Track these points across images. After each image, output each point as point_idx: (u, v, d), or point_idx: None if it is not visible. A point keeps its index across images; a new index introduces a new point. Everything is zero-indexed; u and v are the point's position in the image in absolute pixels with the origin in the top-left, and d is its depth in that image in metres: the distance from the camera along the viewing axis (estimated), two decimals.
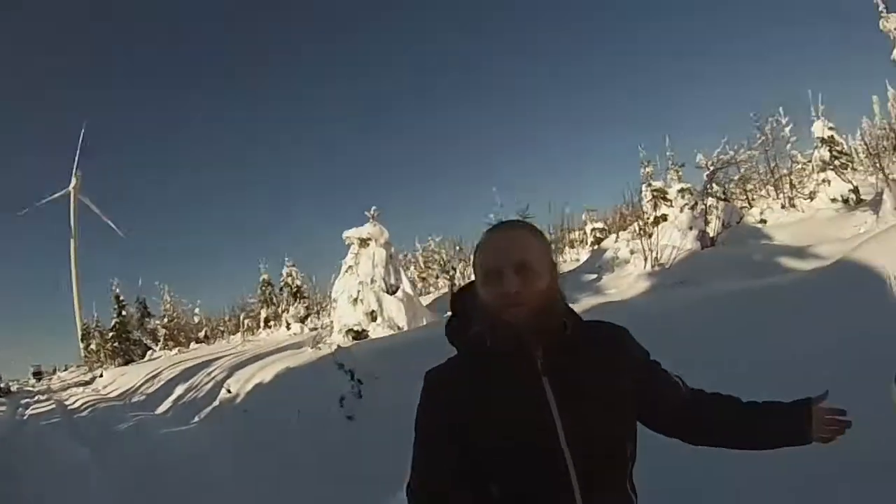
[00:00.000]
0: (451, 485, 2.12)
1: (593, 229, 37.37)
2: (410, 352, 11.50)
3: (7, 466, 14.11)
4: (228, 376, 17.25)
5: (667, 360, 2.46)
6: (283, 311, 39.90)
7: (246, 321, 44.07)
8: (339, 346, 11.82)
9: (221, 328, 53.86)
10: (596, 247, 32.26)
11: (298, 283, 40.95)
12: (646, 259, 18.65)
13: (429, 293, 33.19)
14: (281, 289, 41.86)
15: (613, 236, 28.43)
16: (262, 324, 43.00)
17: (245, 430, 12.23)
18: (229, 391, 15.53)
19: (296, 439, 10.07)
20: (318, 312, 38.31)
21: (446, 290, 31.73)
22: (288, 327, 36.71)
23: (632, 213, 44.38)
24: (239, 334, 43.24)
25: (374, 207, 20.53)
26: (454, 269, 34.10)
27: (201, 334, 54.13)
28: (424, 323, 18.77)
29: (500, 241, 2.17)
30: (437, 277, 43.65)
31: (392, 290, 19.88)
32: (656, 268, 17.79)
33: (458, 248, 41.27)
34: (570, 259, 34.90)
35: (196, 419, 15.60)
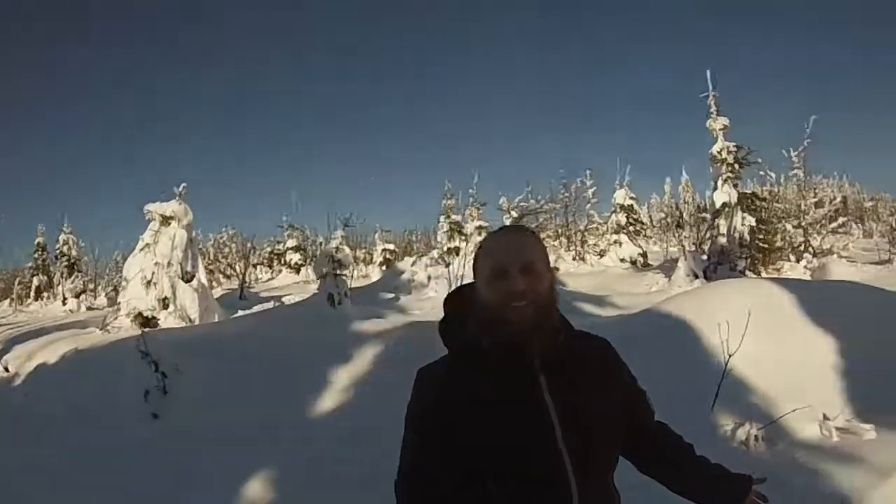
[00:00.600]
0: (442, 483, 2.06)
1: (384, 250, 37.67)
2: (216, 347, 11.20)
3: None
4: (5, 350, 15.13)
5: None
6: (58, 283, 36.73)
7: (17, 289, 41.37)
8: (143, 332, 11.07)
9: None
10: (385, 267, 32.73)
11: (75, 253, 38.15)
12: (450, 286, 18.72)
13: (213, 287, 32.39)
14: (56, 257, 38.50)
15: (409, 259, 28.78)
16: (33, 293, 39.08)
17: (32, 419, 10.62)
18: (6, 369, 13.99)
19: (94, 436, 8.75)
20: (94, 290, 36.51)
21: (236, 285, 31.26)
22: (64, 302, 34.02)
23: (421, 241, 45.03)
24: (8, 302, 39.54)
25: (182, 184, 18.79)
26: (245, 265, 33.73)
27: None
28: (217, 318, 18.18)
29: (507, 243, 2.15)
30: (224, 272, 43.14)
31: (188, 278, 18.56)
32: None
33: (250, 245, 41.06)
34: (358, 276, 35.14)
35: None
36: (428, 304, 17.68)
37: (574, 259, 30.77)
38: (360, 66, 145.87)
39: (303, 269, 38.88)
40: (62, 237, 38.74)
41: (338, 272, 14.55)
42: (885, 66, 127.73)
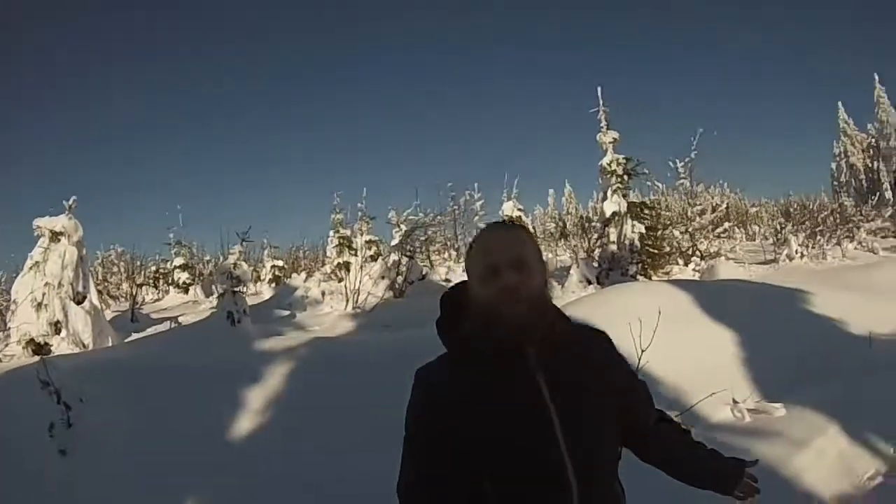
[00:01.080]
0: (443, 484, 2.09)
1: (273, 266, 37.01)
2: (119, 374, 10.44)
3: None
4: None
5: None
6: None
7: None
8: (42, 360, 10.30)
9: None
10: (275, 284, 32.46)
11: None
12: (347, 301, 19.51)
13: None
14: None
15: (301, 275, 28.70)
16: None
17: None
18: None
19: None
20: None
21: (123, 307, 30.53)
22: None
23: (308, 257, 44.60)
24: None
25: (73, 198, 17.34)
26: (133, 285, 33.01)
27: None
28: (111, 343, 17.13)
29: (498, 240, 2.21)
30: (112, 293, 42.13)
31: (79, 299, 17.28)
32: (357, 310, 18.74)
33: (139, 263, 40.15)
34: (248, 293, 34.73)
35: None
36: (327, 320, 17.64)
37: (464, 271, 30.98)
38: (240, 72, 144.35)
39: (191, 288, 38.20)
40: None
41: (236, 289, 14.24)
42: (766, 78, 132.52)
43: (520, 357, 2.11)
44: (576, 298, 13.76)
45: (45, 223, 17.39)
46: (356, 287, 19.71)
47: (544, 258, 2.30)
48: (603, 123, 23.75)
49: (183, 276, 39.78)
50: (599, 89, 24.03)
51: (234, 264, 15.05)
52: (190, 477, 7.32)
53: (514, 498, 2.05)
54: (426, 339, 8.69)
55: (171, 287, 40.69)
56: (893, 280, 18.72)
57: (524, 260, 2.12)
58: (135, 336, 18.74)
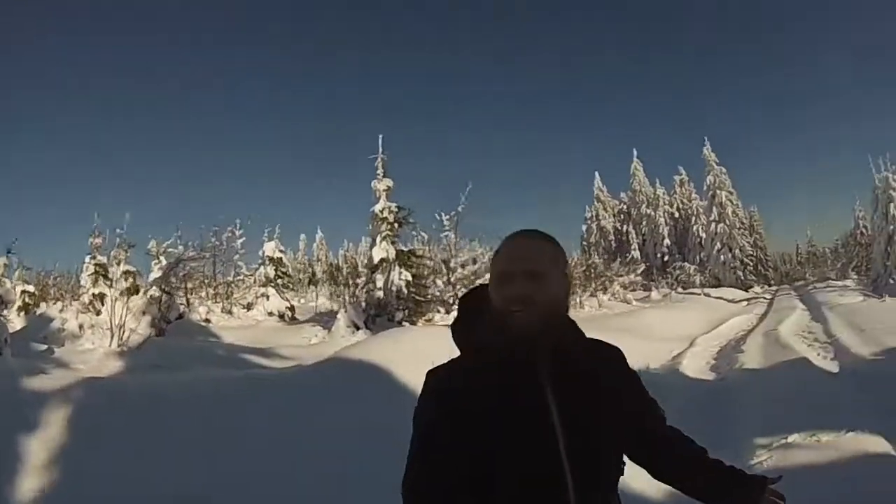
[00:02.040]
0: (446, 486, 2.08)
1: (24, 292, 34.44)
2: None
3: None
4: None
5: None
6: None
7: None
8: None
9: None
10: (25, 312, 30.82)
11: None
12: (112, 337, 18.58)
13: None
14: None
15: (55, 304, 27.40)
16: None
17: None
18: None
19: None
20: None
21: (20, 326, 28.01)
22: None
23: (58, 284, 42.44)
24: None
25: None
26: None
27: None
28: None
29: (516, 248, 2.21)
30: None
31: None
32: (122, 348, 17.76)
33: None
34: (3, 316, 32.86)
35: None
36: (91, 358, 16.16)
37: (222, 311, 30.42)
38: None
39: None
40: None
41: None
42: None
43: (530, 367, 2.12)
44: (352, 343, 13.85)
45: None
46: (121, 322, 18.76)
47: (568, 270, 2.30)
48: (380, 171, 24.53)
49: None
50: (381, 137, 24.88)
51: None
52: None
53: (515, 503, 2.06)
54: (213, 381, 8.61)
55: None
56: (651, 323, 21.06)
57: (538, 270, 2.12)
58: None
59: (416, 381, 7.28)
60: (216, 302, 32.49)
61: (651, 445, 2.48)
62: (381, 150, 24.64)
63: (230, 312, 30.91)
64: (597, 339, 2.41)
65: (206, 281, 34.14)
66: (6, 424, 7.78)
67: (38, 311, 26.01)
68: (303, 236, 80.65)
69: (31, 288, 33.99)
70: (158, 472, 7.17)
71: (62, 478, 7.20)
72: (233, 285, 34.64)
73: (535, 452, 2.05)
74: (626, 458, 2.35)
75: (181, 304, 27.61)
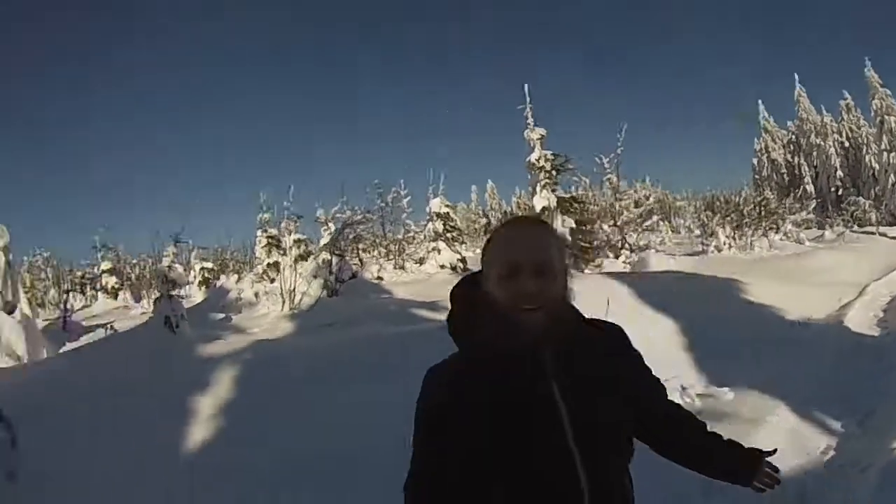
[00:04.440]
0: (450, 483, 2.08)
1: (202, 268, 36.64)
2: (62, 388, 10.02)
3: None
4: None
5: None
6: None
7: None
8: None
9: None
10: (205, 286, 32.04)
11: None
12: (283, 302, 18.97)
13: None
14: None
15: (232, 277, 28.40)
16: None
17: None
18: None
19: None
20: None
21: (56, 315, 29.89)
22: None
23: (236, 258, 44.10)
24: None
25: None
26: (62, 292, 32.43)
27: None
28: (45, 354, 16.28)
29: (521, 238, 2.11)
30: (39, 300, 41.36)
31: (9, 309, 16.47)
32: (294, 311, 18.21)
33: (69, 269, 39.41)
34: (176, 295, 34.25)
35: None
36: (265, 322, 17.05)
37: (395, 268, 30.84)
38: (161, 69, 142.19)
39: (120, 293, 37.61)
40: None
41: (172, 293, 13.87)
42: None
43: (535, 362, 2.06)
44: None
45: None
46: (292, 287, 19.31)
47: (567, 260, 2.22)
48: (530, 120, 23.99)
49: (111, 281, 39.06)
50: (526, 87, 24.26)
51: (169, 266, 14.75)
52: (143, 494, 6.98)
53: (525, 499, 2.03)
54: (372, 338, 8.70)
55: (98, 293, 39.84)
56: (822, 267, 19.59)
57: (547, 264, 2.04)
58: (69, 346, 17.53)
59: None
60: (388, 259, 32.94)
61: (655, 423, 2.43)
62: (528, 99, 24.14)
63: (403, 268, 31.17)
64: (597, 320, 2.36)
65: (377, 241, 34.77)
66: (182, 385, 9.26)
67: (218, 284, 26.80)
68: (474, 187, 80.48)
69: (208, 264, 35.96)
70: (312, 426, 7.56)
71: (225, 430, 8.15)
72: (403, 242, 35.08)
73: (544, 446, 2.01)
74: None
75: (354, 264, 27.93)
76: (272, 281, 22.74)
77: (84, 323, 26.98)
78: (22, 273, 42.55)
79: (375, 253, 33.77)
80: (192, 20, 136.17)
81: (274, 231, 28.44)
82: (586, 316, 2.32)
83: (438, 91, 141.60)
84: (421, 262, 32.09)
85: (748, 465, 2.47)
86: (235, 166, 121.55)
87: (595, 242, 24.38)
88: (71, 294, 42.20)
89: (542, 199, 22.65)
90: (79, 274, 45.13)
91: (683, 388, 7.65)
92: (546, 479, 2.00)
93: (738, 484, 2.50)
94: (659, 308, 9.20)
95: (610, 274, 11.65)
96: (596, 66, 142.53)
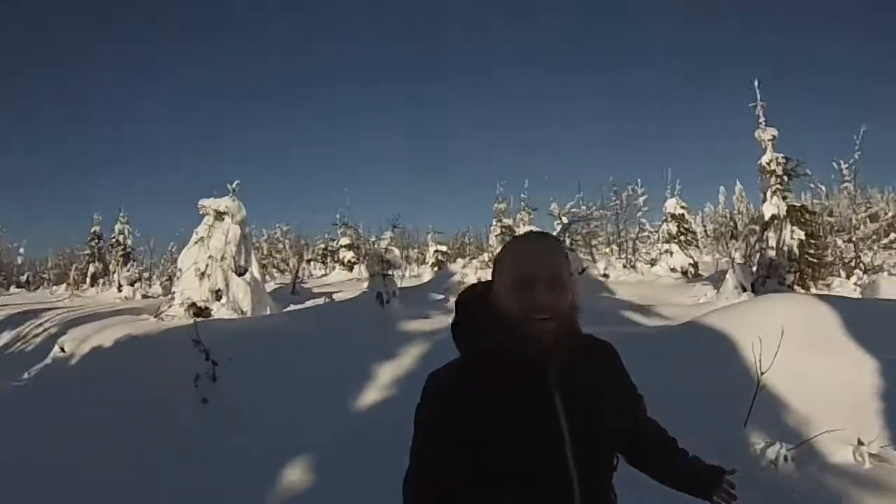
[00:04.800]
0: (447, 487, 2.09)
1: (436, 251, 37.63)
2: (265, 339, 11.57)
3: None
4: (61, 332, 15.32)
5: None
6: (114, 271, 37.39)
7: (73, 274, 42.23)
8: (196, 321, 11.42)
9: (44, 276, 52.02)
10: (437, 268, 32.72)
11: (130, 242, 39.40)
12: None
13: (266, 282, 32.62)
14: (112, 245, 39.49)
15: (460, 261, 28.78)
16: (88, 279, 40.40)
17: (86, 398, 10.80)
18: (63, 350, 14.51)
19: (148, 415, 9.17)
20: (149, 279, 37.16)
21: (289, 280, 31.53)
22: (119, 289, 34.46)
23: (472, 244, 44.89)
24: (64, 286, 40.71)
25: (236, 181, 19.21)
26: (298, 261, 34.02)
27: (23, 278, 51.59)
28: (268, 311, 18.51)
29: (535, 251, 2.12)
30: (278, 266, 43.64)
31: (241, 272, 19.06)
32: None
33: (302, 241, 41.34)
34: (409, 276, 35.23)
35: (27, 375, 14.66)
36: None
37: (625, 267, 30.53)
38: (418, 70, 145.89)
39: (356, 266, 39.11)
40: (117, 227, 39.83)
41: (386, 272, 14.70)
42: None
43: (539, 371, 2.07)
44: (720, 307, 13.16)
45: (209, 203, 19.31)
46: None
47: (573, 274, 2.25)
48: (761, 119, 22.48)
49: (348, 255, 40.95)
50: (756, 82, 22.70)
51: (386, 249, 15.57)
52: (311, 435, 7.88)
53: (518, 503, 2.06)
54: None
55: (337, 264, 42.04)
56: None
57: (559, 277, 2.05)
58: (292, 307, 20.05)
59: (746, 355, 7.78)
60: (619, 258, 32.71)
61: (635, 436, 2.47)
62: (758, 95, 22.43)
63: (634, 267, 30.87)
64: (591, 336, 2.34)
65: (610, 238, 34.49)
66: (372, 351, 10.35)
67: (448, 267, 27.42)
68: (722, 188, 78.17)
69: (443, 248, 36.73)
70: None
71: (396, 396, 8.92)
72: (637, 241, 34.91)
73: (541, 453, 2.03)
74: None
75: (586, 259, 27.97)
76: None
77: (315, 290, 28.67)
78: (260, 242, 45.96)
79: (607, 250, 33.53)
80: None
81: (508, 221, 28.64)
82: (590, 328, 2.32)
83: (681, 87, 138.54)
84: (652, 263, 31.70)
85: (709, 480, 2.50)
86: (475, 157, 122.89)
87: (827, 258, 22.58)
88: (312, 263, 44.50)
89: (771, 207, 21.12)
90: (322, 246, 47.86)
91: (859, 443, 6.32)
92: (539, 486, 2.04)
93: (698, 496, 2.54)
94: (866, 343, 7.96)
95: (822, 296, 10.57)
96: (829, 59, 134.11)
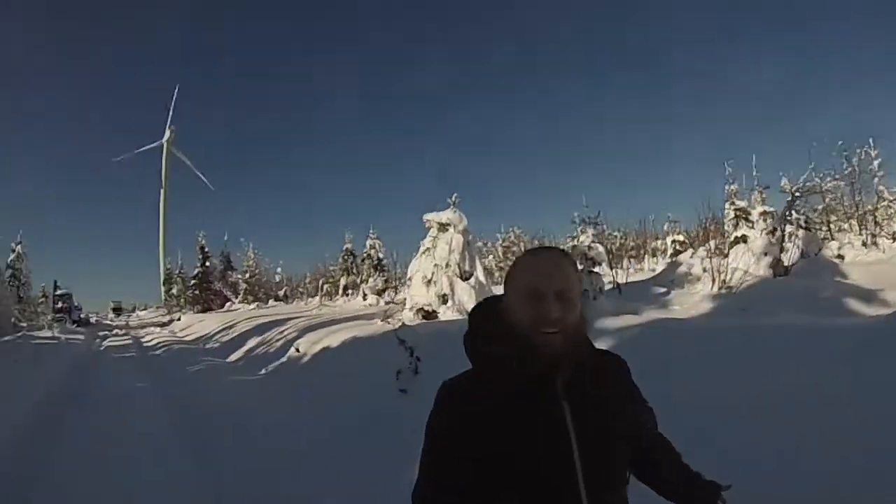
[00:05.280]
0: (457, 496, 2.15)
1: (674, 241, 36.74)
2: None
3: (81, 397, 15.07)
4: (299, 336, 18.29)
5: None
6: (361, 282, 40.69)
7: (325, 286, 45.14)
8: (403, 323, 12.42)
9: (301, 290, 56.86)
10: (672, 259, 32.07)
11: (381, 255, 42.05)
12: (713, 280, 18.42)
13: (496, 284, 33.16)
14: (363, 259, 42.82)
15: (690, 251, 27.99)
16: (340, 291, 44.42)
17: (306, 388, 12.99)
18: (297, 350, 16.46)
19: (352, 403, 10.96)
20: (395, 287, 39.05)
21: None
22: (364, 298, 37.38)
23: (714, 230, 43.82)
24: (317, 298, 44.66)
25: (455, 195, 21.30)
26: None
27: (281, 293, 56.95)
28: None
29: (545, 266, 2.20)
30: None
31: (466, 276, 20.51)
32: (723, 290, 17.62)
33: (536, 241, 41.63)
34: (647, 269, 34.84)
35: (263, 371, 16.50)
36: (691, 300, 16.66)
37: (864, 245, 26.62)
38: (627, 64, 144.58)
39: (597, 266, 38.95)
40: (369, 242, 43.11)
41: (592, 269, 15.06)
42: None
43: (549, 385, 2.15)
44: None
45: (432, 217, 21.38)
46: (721, 266, 18.82)
47: (582, 289, 2.30)
48: None
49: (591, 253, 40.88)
50: None
51: (589, 246, 16.00)
52: None
53: None
54: (755, 329, 8.71)
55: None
56: None
57: (567, 291, 2.13)
58: None
59: None
60: (858, 235, 27.90)
61: (646, 450, 2.57)
62: None
63: (875, 244, 26.27)
64: (603, 350, 2.50)
65: (848, 212, 30.71)
66: None
67: (679, 258, 26.70)
68: None
69: (680, 237, 36.14)
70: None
71: None
72: (876, 213, 28.88)
73: (550, 464, 2.11)
74: None
75: (825, 239, 25.66)
76: (725, 256, 21.29)
77: None
78: (496, 247, 48.95)
79: (846, 226, 30.41)
80: None
81: (742, 203, 27.50)
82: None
83: None
84: (894, 237, 27.17)
85: (709, 496, 2.62)
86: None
87: None
88: None
89: None
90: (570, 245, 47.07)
91: None
92: (548, 495, 2.10)
93: None
94: None
95: None
96: None
